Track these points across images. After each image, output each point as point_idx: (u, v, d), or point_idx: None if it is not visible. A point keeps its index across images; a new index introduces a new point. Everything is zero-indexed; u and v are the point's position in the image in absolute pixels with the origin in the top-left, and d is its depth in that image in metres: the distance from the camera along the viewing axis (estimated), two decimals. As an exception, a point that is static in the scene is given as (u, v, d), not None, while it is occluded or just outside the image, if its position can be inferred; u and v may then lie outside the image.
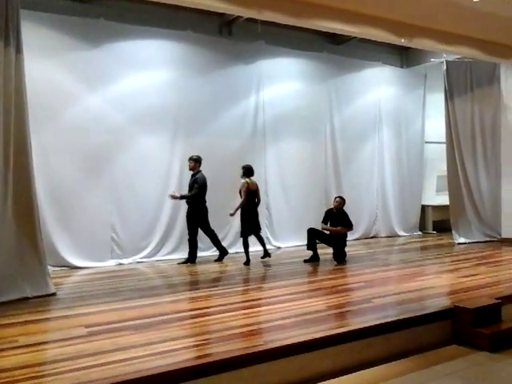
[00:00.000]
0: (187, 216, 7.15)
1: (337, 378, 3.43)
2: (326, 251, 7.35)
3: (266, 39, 8.47)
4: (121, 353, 3.29)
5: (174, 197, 7.07)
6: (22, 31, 5.08)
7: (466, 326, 4.17)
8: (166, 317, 4.21)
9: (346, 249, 7.28)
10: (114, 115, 7.16)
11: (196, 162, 7.14)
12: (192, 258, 7.13)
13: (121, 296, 5.04)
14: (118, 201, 7.23)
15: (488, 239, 9.16)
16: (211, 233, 7.23)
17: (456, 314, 4.27)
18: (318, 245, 7.18)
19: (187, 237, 7.19)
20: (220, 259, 7.29)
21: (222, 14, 8.04)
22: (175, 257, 7.51)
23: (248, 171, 7.11)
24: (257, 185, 7.20)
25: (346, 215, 7.26)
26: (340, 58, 9.49)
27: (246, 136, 8.39)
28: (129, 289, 5.45)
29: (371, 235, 10.03)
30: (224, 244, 7.57)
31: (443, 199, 10.14)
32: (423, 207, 10.85)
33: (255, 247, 7.37)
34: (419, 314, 4.17)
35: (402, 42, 7.00)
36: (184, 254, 7.31)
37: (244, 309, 4.56)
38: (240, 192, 7.02)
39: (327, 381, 3.39)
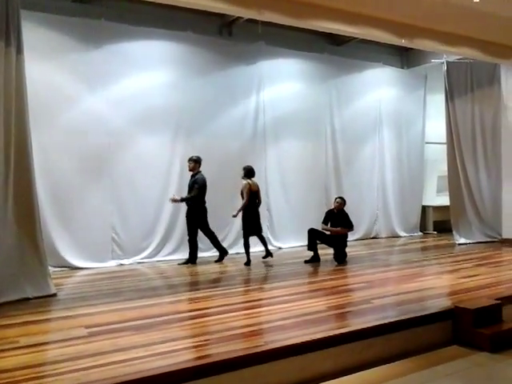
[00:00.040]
0: (187, 217, 7.15)
1: (337, 379, 3.42)
2: (326, 252, 7.35)
3: (266, 40, 8.48)
4: (121, 353, 3.28)
5: (174, 200, 7.06)
6: (22, 32, 5.07)
7: (467, 327, 4.16)
8: (166, 317, 4.21)
9: (347, 249, 7.28)
10: (114, 116, 7.17)
11: (196, 162, 7.14)
12: (192, 259, 7.13)
13: (121, 296, 5.04)
14: (119, 201, 7.24)
15: (489, 240, 9.16)
16: (210, 233, 7.23)
17: (456, 315, 4.26)
18: (318, 245, 7.18)
19: (187, 237, 7.20)
20: (220, 260, 7.30)
21: (222, 15, 8.05)
22: (176, 257, 7.52)
23: (249, 172, 7.12)
24: (258, 186, 7.21)
25: (346, 216, 7.26)
26: (340, 58, 9.50)
27: (246, 137, 8.39)
28: (129, 289, 5.45)
29: (372, 236, 10.04)
30: (224, 245, 7.58)
31: (444, 200, 10.14)
32: (424, 208, 10.86)
33: (256, 248, 7.37)
34: (420, 314, 4.16)
35: (403, 42, 6.99)
36: (185, 255, 7.31)
37: (244, 309, 4.56)
38: (242, 193, 7.03)
39: (328, 381, 3.39)
